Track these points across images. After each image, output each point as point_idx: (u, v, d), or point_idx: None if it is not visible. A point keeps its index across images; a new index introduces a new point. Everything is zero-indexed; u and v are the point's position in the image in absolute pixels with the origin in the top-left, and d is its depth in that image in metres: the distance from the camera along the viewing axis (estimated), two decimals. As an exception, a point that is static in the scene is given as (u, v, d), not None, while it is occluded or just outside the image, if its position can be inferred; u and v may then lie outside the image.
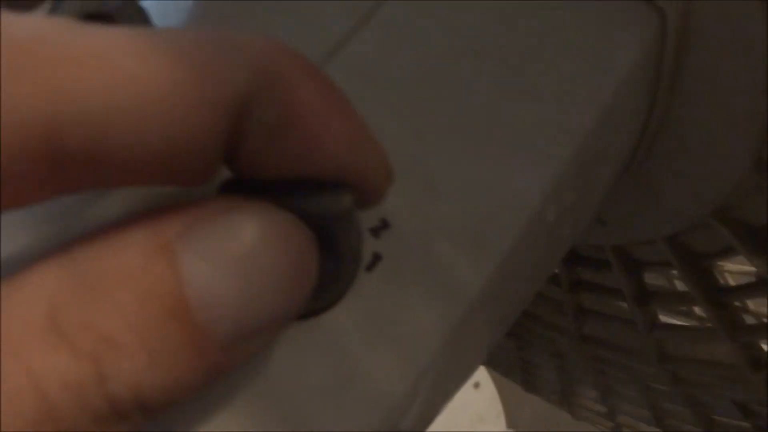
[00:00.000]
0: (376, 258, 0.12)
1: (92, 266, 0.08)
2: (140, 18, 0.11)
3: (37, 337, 0.07)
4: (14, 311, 0.08)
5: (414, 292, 0.11)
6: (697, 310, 0.30)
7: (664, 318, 0.25)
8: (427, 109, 0.12)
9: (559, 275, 0.28)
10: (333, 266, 0.11)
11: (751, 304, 0.25)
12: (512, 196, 0.12)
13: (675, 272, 0.28)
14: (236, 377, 0.11)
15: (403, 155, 0.12)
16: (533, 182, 0.12)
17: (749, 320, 0.22)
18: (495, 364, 0.40)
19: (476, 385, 0.88)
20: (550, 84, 0.13)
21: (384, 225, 0.12)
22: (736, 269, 0.31)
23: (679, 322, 0.27)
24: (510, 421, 0.87)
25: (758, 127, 0.16)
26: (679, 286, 0.30)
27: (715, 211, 0.19)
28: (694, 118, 0.17)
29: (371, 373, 0.11)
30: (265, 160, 0.09)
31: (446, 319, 0.11)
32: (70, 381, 0.07)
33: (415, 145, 0.12)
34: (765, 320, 0.23)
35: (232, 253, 0.08)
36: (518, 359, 0.38)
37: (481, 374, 0.87)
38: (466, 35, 0.13)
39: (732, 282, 0.30)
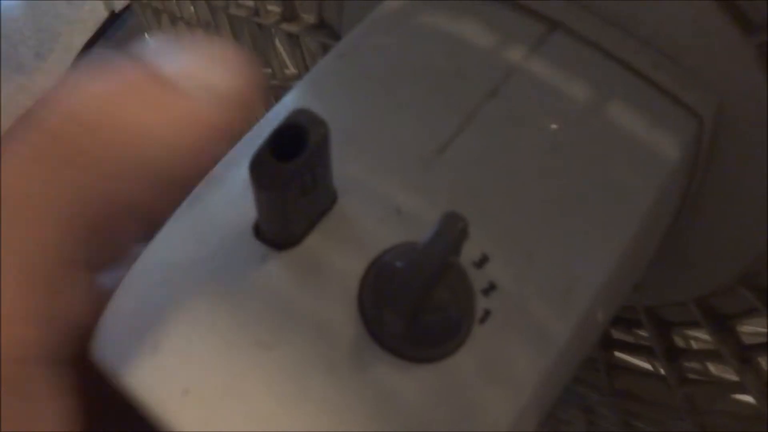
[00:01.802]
0: (487, 313, 0.14)
1: None
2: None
3: None
4: None
5: (517, 340, 0.14)
6: (712, 368, 0.33)
7: (692, 375, 0.28)
8: (522, 197, 0.16)
9: (594, 334, 0.30)
10: (455, 320, 0.14)
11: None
12: (589, 263, 0.15)
13: (694, 333, 0.31)
14: (375, 411, 0.14)
15: (506, 233, 0.15)
16: (606, 251, 0.16)
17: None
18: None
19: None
20: (611, 179, 0.16)
21: (492, 287, 0.15)
22: (749, 330, 0.34)
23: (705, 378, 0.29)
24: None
25: (778, 207, 0.20)
26: (695, 344, 0.33)
27: (740, 278, 0.22)
28: (723, 199, 0.20)
29: (486, 406, 0.14)
30: None
31: (542, 362, 0.14)
32: None
33: (514, 225, 0.15)
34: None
35: None
36: (548, 417, 0.40)
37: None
38: (547, 135, 0.17)
39: (746, 341, 0.32)
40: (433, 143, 0.16)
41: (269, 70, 0.33)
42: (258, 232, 0.15)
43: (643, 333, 0.29)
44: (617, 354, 0.31)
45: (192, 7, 0.37)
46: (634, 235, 0.16)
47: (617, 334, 0.31)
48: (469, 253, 0.15)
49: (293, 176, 0.12)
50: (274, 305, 0.14)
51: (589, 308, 0.15)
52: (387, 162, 0.16)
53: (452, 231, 0.12)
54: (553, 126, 0.17)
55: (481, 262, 0.15)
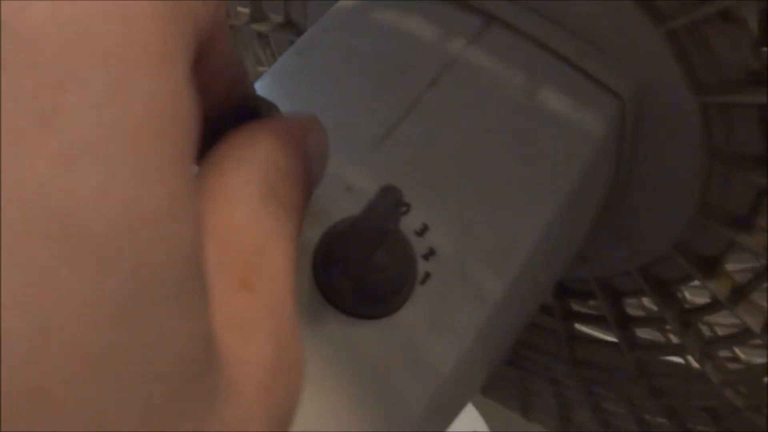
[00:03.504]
0: (427, 275, 0.16)
1: None
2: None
3: None
4: None
5: (456, 297, 0.16)
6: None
7: (643, 338, 0.30)
8: (460, 173, 0.18)
9: (552, 307, 0.32)
10: (398, 281, 0.16)
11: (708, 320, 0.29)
12: (521, 228, 0.17)
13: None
14: (331, 361, 0.16)
15: (445, 205, 0.17)
16: (537, 217, 0.18)
17: (708, 333, 0.27)
18: (494, 395, 0.45)
19: None
20: (541, 154, 0.18)
21: (432, 252, 0.17)
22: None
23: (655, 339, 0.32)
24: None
25: (700, 180, 0.22)
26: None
27: (675, 245, 0.24)
28: (651, 174, 0.22)
29: (430, 353, 0.16)
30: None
31: (479, 315, 0.16)
32: None
33: (452, 198, 0.17)
34: (718, 332, 0.28)
35: None
36: (519, 389, 0.42)
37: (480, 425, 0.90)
38: (483, 117, 0.19)
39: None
40: (379, 129, 0.18)
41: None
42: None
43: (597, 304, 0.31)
44: (577, 326, 0.33)
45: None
46: (563, 203, 0.18)
47: (576, 307, 0.33)
48: (411, 223, 0.17)
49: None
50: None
51: (523, 268, 0.17)
52: (339, 147, 0.18)
53: (387, 201, 0.14)
54: (489, 109, 0.19)
55: (422, 231, 0.17)
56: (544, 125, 0.19)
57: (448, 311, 0.16)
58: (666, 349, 0.29)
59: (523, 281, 0.18)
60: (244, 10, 0.31)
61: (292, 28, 0.30)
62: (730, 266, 0.25)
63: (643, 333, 0.31)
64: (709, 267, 0.25)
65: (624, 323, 0.30)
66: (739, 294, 0.24)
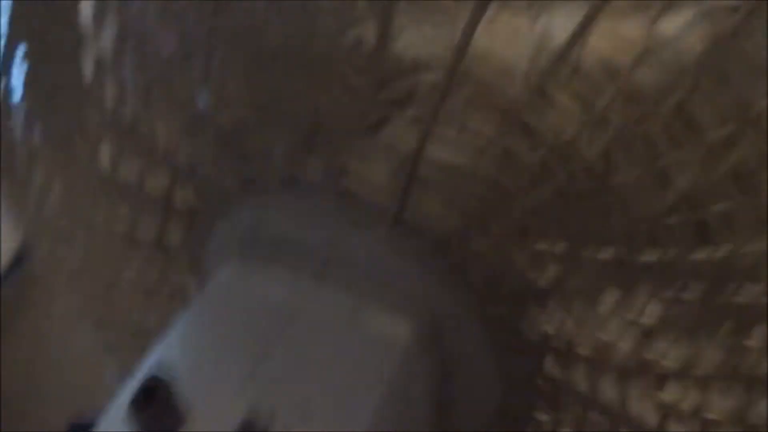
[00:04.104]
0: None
1: None
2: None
3: None
4: None
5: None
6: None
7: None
8: (300, 389, 0.26)
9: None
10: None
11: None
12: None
13: None
14: None
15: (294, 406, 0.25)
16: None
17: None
18: None
19: None
20: (356, 367, 0.27)
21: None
22: None
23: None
24: None
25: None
26: None
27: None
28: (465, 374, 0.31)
29: None
30: None
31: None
32: None
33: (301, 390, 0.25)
34: None
35: None
36: None
37: None
38: (312, 345, 0.27)
39: None
40: (246, 365, 0.26)
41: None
42: None
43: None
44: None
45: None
46: (376, 406, 0.26)
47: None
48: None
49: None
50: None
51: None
52: (219, 380, 0.26)
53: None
54: (318, 339, 0.27)
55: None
56: (358, 348, 0.27)
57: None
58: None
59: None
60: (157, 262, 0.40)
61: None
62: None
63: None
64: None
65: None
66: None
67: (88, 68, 0.28)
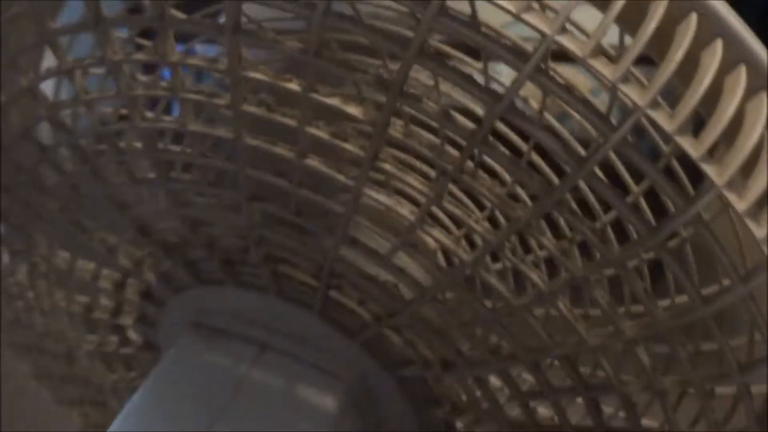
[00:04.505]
0: None
1: None
2: None
3: None
4: None
5: None
6: None
7: None
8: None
9: None
10: None
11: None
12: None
13: None
14: None
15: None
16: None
17: None
18: None
19: None
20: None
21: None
22: None
23: None
24: None
25: None
26: None
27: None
28: None
29: None
30: None
31: None
32: None
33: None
34: None
35: None
36: None
37: None
38: (257, 411, 0.32)
39: None
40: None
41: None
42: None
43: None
44: None
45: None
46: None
47: None
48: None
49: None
50: None
51: None
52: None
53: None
54: (263, 403, 0.32)
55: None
56: (299, 411, 0.32)
57: None
58: None
59: None
60: (114, 338, 0.44)
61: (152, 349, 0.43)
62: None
63: None
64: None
65: None
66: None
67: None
